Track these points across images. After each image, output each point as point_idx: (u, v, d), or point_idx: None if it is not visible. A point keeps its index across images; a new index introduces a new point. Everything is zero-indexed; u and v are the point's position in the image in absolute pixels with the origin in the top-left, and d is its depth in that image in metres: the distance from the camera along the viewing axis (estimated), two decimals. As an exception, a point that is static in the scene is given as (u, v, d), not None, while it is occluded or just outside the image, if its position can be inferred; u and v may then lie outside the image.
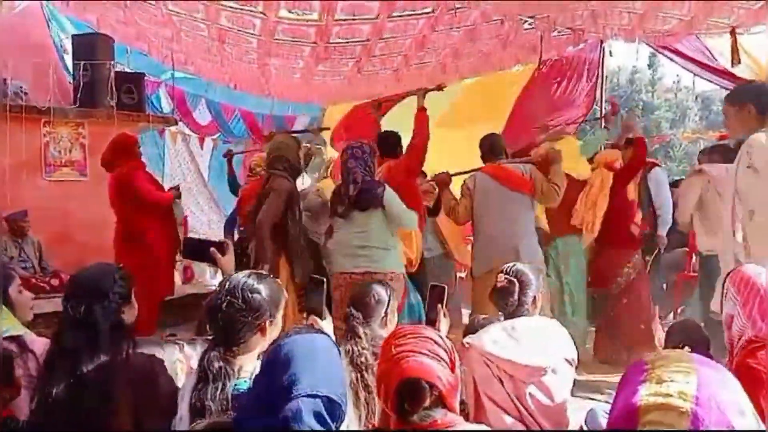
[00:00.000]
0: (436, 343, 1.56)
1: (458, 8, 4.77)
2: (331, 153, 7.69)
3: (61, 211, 5.88)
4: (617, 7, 5.04)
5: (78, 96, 6.04)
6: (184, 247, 3.54)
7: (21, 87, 5.81)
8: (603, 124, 5.79)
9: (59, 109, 5.99)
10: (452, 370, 1.55)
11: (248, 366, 1.77)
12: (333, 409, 1.29)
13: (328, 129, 6.30)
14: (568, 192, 4.32)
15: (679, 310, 5.68)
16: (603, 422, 2.36)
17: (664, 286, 5.83)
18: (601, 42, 6.60)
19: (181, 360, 2.07)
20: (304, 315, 2.34)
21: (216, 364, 1.73)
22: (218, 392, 1.69)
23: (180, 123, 8.43)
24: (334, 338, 1.75)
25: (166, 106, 8.28)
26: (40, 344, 2.15)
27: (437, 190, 4.50)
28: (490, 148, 4.35)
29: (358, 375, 2.12)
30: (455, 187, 4.43)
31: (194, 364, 1.98)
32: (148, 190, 4.77)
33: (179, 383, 1.95)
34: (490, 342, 2.19)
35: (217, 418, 1.62)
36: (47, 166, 6.02)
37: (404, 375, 1.49)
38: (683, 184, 4.86)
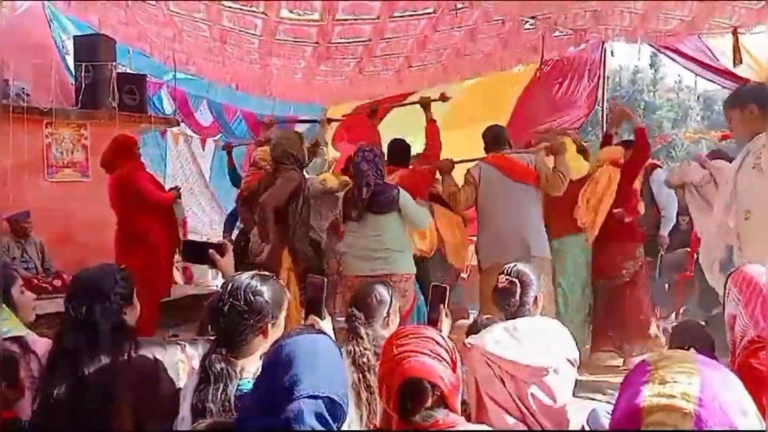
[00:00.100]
0: (437, 343, 1.56)
1: (459, 8, 4.77)
2: (332, 153, 7.69)
3: (63, 211, 5.89)
4: (618, 7, 5.04)
5: (80, 97, 6.05)
6: (184, 250, 3.55)
7: (23, 88, 5.81)
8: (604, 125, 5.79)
9: (61, 110, 6.00)
10: (454, 370, 1.55)
11: (250, 367, 1.77)
12: (334, 409, 1.29)
13: (337, 120, 6.31)
14: (567, 192, 4.31)
15: (681, 310, 5.68)
16: (605, 423, 2.36)
17: (666, 286, 5.83)
18: (603, 42, 6.60)
19: (182, 360, 2.06)
20: (303, 315, 2.33)
21: (218, 366, 1.73)
22: (220, 393, 1.69)
23: (182, 124, 8.44)
24: (334, 338, 1.75)
25: (168, 107, 8.28)
26: (42, 345, 2.15)
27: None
28: (493, 139, 4.33)
29: (360, 375, 2.11)
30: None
31: (196, 364, 1.98)
32: (149, 190, 4.78)
33: (181, 384, 1.95)
34: (492, 342, 2.19)
35: (218, 419, 1.62)
36: (49, 167, 6.02)
37: (406, 375, 1.49)
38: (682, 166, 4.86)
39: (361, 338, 2.22)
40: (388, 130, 5.45)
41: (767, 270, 1.93)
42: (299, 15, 4.97)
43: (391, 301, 2.45)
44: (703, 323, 3.68)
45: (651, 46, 6.27)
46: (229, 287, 1.83)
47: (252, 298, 1.80)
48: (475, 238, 4.71)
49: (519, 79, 7.23)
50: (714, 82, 6.26)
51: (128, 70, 6.92)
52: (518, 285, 2.35)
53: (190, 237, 6.89)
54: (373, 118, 5.24)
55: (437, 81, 7.00)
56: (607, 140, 4.88)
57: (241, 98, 8.72)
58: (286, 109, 9.24)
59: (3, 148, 5.47)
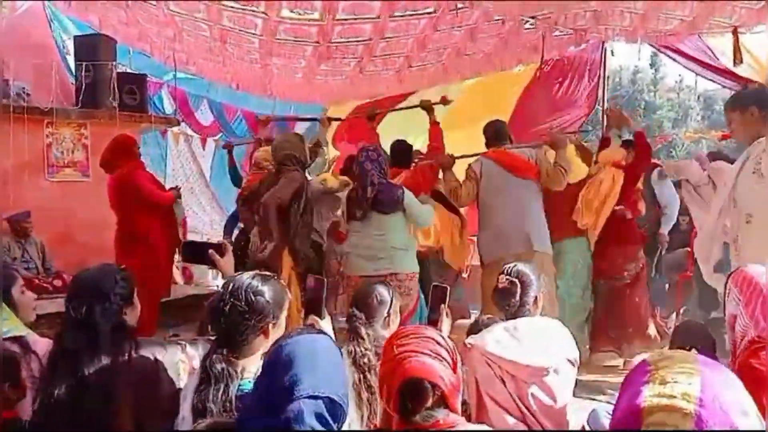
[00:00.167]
0: (438, 343, 1.56)
1: (460, 8, 4.76)
2: (332, 152, 7.69)
3: (63, 211, 5.89)
4: (618, 7, 5.03)
5: (80, 97, 6.05)
6: (183, 251, 3.55)
7: (23, 88, 5.82)
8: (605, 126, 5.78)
9: (62, 110, 6.01)
10: (454, 370, 1.55)
11: (251, 367, 1.77)
12: (334, 410, 1.29)
13: (338, 119, 6.27)
14: (565, 195, 4.30)
15: (681, 310, 5.68)
16: (605, 423, 2.36)
17: (666, 286, 5.83)
18: (603, 42, 6.59)
19: (183, 360, 2.06)
20: (302, 315, 2.33)
21: (218, 366, 1.73)
22: (221, 394, 1.69)
23: (182, 123, 8.45)
24: (334, 338, 1.75)
25: (169, 106, 8.29)
26: (42, 345, 2.15)
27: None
28: (494, 134, 4.33)
29: (361, 376, 2.12)
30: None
31: (196, 364, 1.98)
32: (150, 189, 4.79)
33: (182, 383, 1.95)
34: (492, 342, 2.19)
35: (218, 419, 1.62)
36: (50, 166, 6.03)
37: (407, 375, 1.49)
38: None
39: (362, 338, 2.22)
40: (388, 131, 5.44)
41: (767, 270, 1.93)
42: (299, 14, 4.96)
43: (391, 301, 2.45)
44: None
45: (651, 45, 6.27)
46: (230, 287, 1.82)
47: (253, 298, 1.80)
48: (475, 238, 4.70)
49: (519, 79, 7.23)
50: (714, 82, 6.26)
51: (129, 70, 6.94)
52: (518, 285, 2.35)
53: (191, 236, 6.90)
54: (372, 123, 5.25)
55: (437, 81, 7.00)
56: (605, 143, 4.87)
57: (242, 98, 8.73)
58: (287, 109, 9.26)
59: (3, 147, 5.47)
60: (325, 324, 2.17)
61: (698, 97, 20.42)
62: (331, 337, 1.55)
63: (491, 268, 3.94)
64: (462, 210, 4.89)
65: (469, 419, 2.00)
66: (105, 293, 1.94)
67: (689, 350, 1.83)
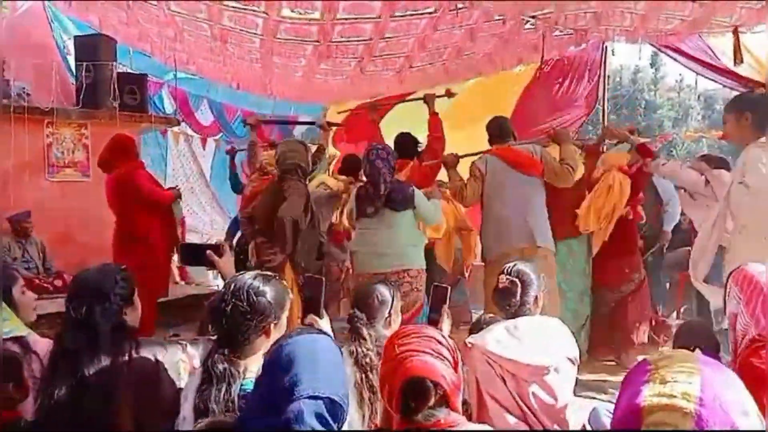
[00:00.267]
0: (439, 342, 1.56)
1: (460, 8, 4.76)
2: (332, 153, 7.69)
3: (64, 211, 5.89)
4: (618, 7, 5.03)
5: (81, 97, 6.06)
6: (180, 255, 3.54)
7: (24, 88, 5.82)
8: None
9: (62, 110, 6.01)
10: (455, 369, 1.55)
11: (253, 367, 1.77)
12: (335, 410, 1.29)
13: (339, 124, 6.27)
14: (566, 196, 4.29)
15: (681, 309, 5.68)
16: (606, 422, 2.36)
17: (667, 285, 5.83)
18: (603, 41, 6.59)
19: (183, 360, 2.06)
20: (300, 315, 2.33)
21: (220, 366, 1.73)
22: (222, 394, 1.69)
23: (182, 123, 8.45)
24: (333, 337, 1.75)
25: (169, 106, 8.30)
26: (43, 345, 2.15)
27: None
28: (498, 130, 4.31)
29: (363, 376, 2.12)
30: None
31: (197, 363, 1.98)
32: (150, 188, 4.79)
33: (182, 383, 1.95)
34: (493, 341, 2.19)
35: (217, 418, 1.62)
36: (50, 166, 6.03)
37: (408, 374, 1.49)
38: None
39: (364, 339, 2.22)
40: (391, 126, 5.45)
41: (767, 269, 1.94)
42: (300, 14, 4.96)
43: (392, 301, 2.46)
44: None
45: (652, 45, 6.25)
46: (232, 287, 1.82)
47: (255, 298, 1.80)
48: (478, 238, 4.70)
49: (519, 79, 7.22)
50: (715, 81, 6.25)
51: (129, 70, 6.94)
52: (519, 284, 2.35)
53: (190, 236, 6.90)
54: (374, 114, 5.23)
55: (438, 81, 6.98)
56: (592, 149, 4.71)
57: (242, 97, 8.74)
58: (287, 109, 9.26)
59: (4, 147, 5.47)
60: (324, 323, 2.17)
61: (699, 97, 20.44)
62: (330, 337, 1.55)
63: (494, 265, 3.92)
64: (462, 210, 4.90)
65: (469, 418, 2.00)
66: (105, 293, 1.94)
67: (693, 350, 1.83)
